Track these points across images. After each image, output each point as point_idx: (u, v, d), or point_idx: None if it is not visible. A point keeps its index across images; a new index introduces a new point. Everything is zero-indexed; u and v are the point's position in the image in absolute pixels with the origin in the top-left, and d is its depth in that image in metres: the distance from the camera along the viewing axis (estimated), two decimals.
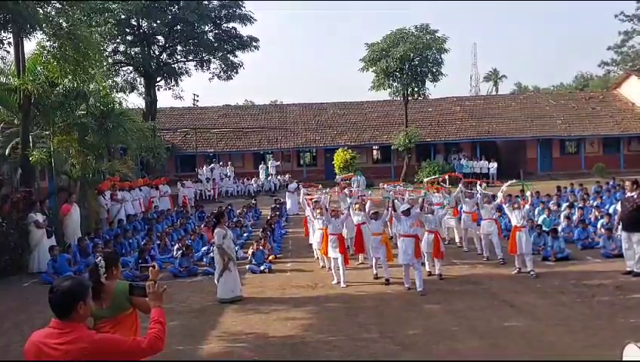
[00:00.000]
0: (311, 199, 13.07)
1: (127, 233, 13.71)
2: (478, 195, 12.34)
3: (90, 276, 4.19)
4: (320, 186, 12.06)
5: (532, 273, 10.16)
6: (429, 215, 10.63)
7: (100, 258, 4.24)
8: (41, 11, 12.57)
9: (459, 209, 13.55)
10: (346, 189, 15.30)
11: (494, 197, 11.92)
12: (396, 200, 11.12)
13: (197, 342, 7.23)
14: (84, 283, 3.19)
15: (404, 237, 9.56)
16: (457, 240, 13.38)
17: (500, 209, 12.62)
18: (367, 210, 10.75)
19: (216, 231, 9.25)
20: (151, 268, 3.80)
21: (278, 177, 29.43)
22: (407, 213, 9.72)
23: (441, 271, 10.38)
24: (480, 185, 13.31)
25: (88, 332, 3.03)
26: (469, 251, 12.54)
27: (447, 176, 19.11)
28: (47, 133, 14.29)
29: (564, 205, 15.42)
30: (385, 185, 15.28)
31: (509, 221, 13.20)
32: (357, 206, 11.67)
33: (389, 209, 10.63)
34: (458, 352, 6.66)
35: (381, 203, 13.24)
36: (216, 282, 9.33)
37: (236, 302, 9.06)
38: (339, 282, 10.00)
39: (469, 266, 11.32)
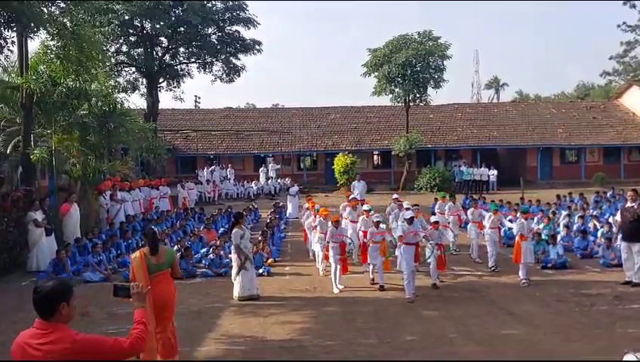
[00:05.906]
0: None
1: (126, 234, 13.67)
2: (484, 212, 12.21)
3: (153, 237, 6.03)
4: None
5: (523, 281, 10.19)
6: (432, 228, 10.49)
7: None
8: (45, 11, 12.61)
9: (462, 218, 13.55)
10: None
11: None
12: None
13: (195, 344, 7.21)
14: (68, 284, 3.21)
15: (407, 245, 9.49)
16: (452, 247, 13.30)
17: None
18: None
19: (234, 231, 9.32)
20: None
21: (279, 180, 29.43)
22: (410, 221, 9.69)
23: (436, 281, 10.24)
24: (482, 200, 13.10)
25: (70, 333, 3.02)
26: (481, 262, 12.16)
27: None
28: (48, 132, 14.32)
29: (564, 213, 15.41)
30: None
31: (509, 229, 13.27)
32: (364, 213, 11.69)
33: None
34: (456, 354, 6.66)
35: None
36: (233, 281, 9.47)
37: (254, 300, 9.23)
38: (340, 291, 9.98)
39: (468, 273, 11.31)
